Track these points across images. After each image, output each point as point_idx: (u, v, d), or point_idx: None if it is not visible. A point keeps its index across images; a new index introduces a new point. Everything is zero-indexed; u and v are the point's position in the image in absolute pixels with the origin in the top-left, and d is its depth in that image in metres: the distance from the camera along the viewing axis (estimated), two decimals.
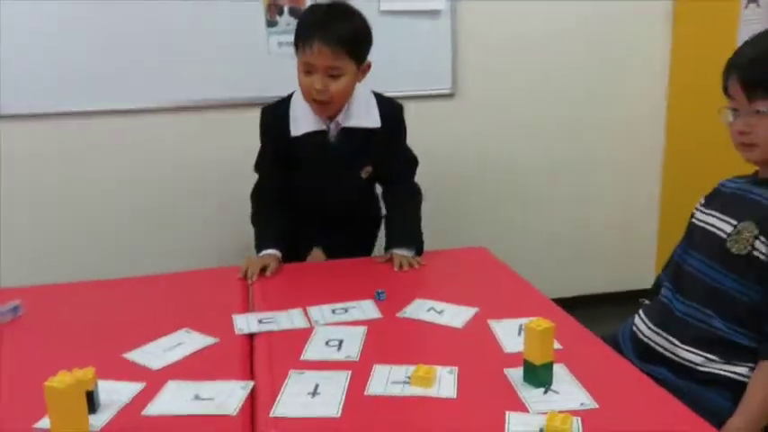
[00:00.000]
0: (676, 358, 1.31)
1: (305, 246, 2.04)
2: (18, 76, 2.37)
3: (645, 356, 1.37)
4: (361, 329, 1.40)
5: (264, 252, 1.83)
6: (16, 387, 1.20)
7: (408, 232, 1.90)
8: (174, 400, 1.12)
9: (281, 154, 1.87)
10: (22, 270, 2.38)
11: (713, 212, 1.37)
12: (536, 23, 2.73)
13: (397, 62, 2.58)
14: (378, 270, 1.82)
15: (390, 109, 1.91)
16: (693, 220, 1.43)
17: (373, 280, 1.69)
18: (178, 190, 2.62)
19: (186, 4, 2.42)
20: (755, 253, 1.22)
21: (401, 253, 1.82)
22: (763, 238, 1.21)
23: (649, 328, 1.39)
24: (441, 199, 2.80)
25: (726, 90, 1.30)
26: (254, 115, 2.48)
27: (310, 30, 1.66)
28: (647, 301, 1.49)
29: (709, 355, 1.26)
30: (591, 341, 1.33)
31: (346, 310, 1.51)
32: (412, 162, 2.02)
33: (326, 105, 1.75)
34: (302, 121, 1.81)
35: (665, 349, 1.33)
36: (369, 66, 1.79)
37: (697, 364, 1.27)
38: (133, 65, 2.45)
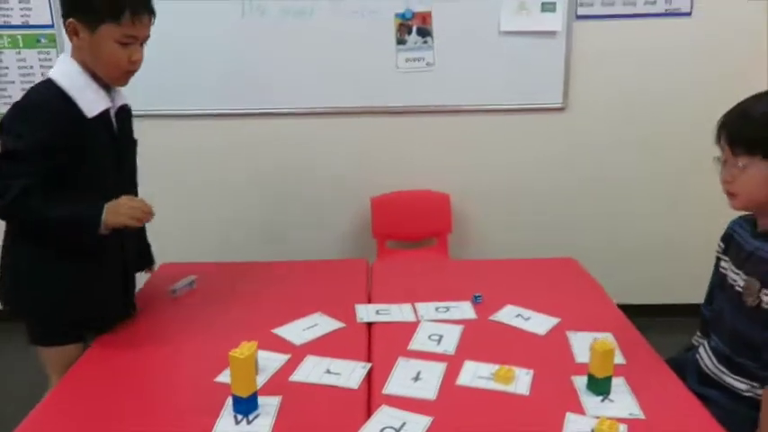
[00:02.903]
0: (727, 385, 1.51)
1: (113, 303, 1.75)
2: (181, 79, 2.84)
3: (704, 382, 1.58)
4: (459, 328, 1.70)
5: (109, 206, 1.54)
6: (197, 349, 1.62)
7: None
8: (312, 371, 1.49)
9: (72, 152, 1.53)
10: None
11: (731, 264, 1.55)
12: (647, 43, 2.83)
13: (513, 76, 2.83)
14: (476, 273, 2.10)
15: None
16: (719, 268, 1.61)
17: (473, 283, 1.96)
18: (318, 181, 3.02)
19: (330, 20, 2.76)
20: (763, 305, 1.41)
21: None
22: (766, 291, 1.40)
23: (709, 358, 1.59)
24: (546, 205, 3.03)
25: (718, 142, 1.47)
26: (383, 121, 2.81)
27: (135, 2, 1.53)
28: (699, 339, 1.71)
29: (753, 383, 1.46)
30: (653, 360, 1.55)
31: (448, 309, 1.81)
32: None
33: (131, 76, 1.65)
34: (93, 98, 1.59)
35: (719, 378, 1.54)
36: None
37: (743, 391, 1.48)
38: (278, 73, 2.84)
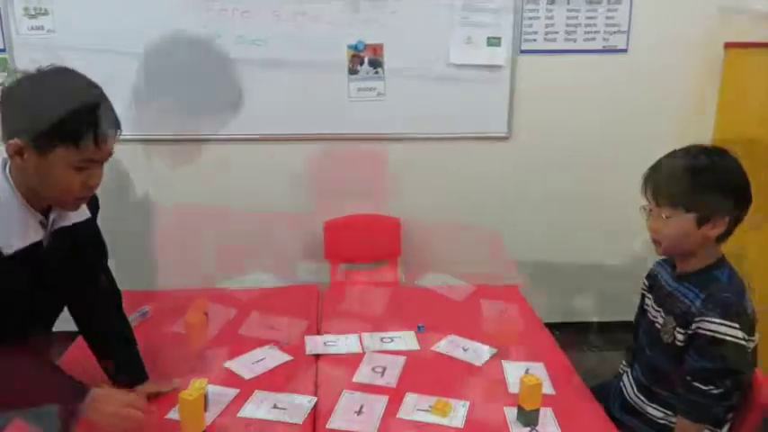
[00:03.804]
0: (645, 413, 1.65)
1: None
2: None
3: (625, 409, 1.71)
4: (402, 359, 1.79)
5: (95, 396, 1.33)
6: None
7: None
8: (260, 407, 1.55)
9: None
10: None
11: (653, 302, 1.69)
12: (586, 77, 2.99)
13: (460, 106, 2.95)
14: (422, 301, 2.20)
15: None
16: (644, 305, 1.75)
17: (418, 311, 2.07)
18: (272, 206, 3.05)
19: (284, 50, 2.83)
20: (677, 342, 1.54)
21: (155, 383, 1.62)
22: (680, 329, 1.53)
23: (631, 386, 1.72)
24: (491, 227, 3.15)
25: (644, 194, 1.58)
26: (335, 147, 2.87)
27: (101, 122, 1.29)
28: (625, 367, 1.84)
29: (667, 412, 1.60)
30: (581, 391, 1.67)
31: (392, 340, 1.90)
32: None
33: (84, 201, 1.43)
34: (11, 232, 1.31)
35: (638, 405, 1.67)
36: None
37: (659, 418, 1.61)
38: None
